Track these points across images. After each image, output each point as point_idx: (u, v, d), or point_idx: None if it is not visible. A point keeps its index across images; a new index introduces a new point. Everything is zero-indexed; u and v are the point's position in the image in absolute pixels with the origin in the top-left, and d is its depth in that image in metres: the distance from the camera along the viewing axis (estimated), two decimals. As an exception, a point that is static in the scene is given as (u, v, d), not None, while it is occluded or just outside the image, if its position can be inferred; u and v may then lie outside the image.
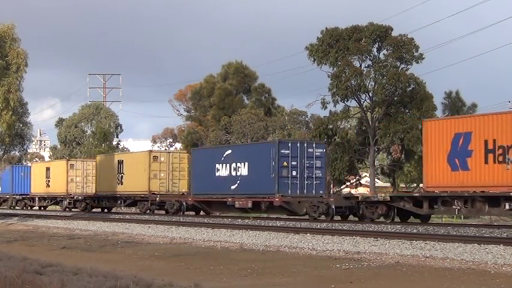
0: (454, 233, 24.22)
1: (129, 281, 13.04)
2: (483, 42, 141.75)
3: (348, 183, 57.75)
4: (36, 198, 63.84)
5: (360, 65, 52.15)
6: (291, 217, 38.71)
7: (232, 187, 39.85)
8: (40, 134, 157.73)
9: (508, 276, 14.29)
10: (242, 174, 39.30)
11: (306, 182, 37.10)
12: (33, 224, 40.06)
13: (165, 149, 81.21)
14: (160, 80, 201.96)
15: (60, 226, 37.12)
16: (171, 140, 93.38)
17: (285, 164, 36.81)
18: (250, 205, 38.34)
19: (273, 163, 36.92)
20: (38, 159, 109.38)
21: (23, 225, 39.57)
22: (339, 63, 51.41)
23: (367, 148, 53.51)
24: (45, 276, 14.24)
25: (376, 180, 59.23)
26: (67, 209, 58.08)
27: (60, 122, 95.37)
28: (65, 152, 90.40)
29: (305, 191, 37.04)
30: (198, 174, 43.47)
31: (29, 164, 76.55)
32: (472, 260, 16.67)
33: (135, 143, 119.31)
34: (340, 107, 53.55)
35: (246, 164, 39.03)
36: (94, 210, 58.60)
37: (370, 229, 27.08)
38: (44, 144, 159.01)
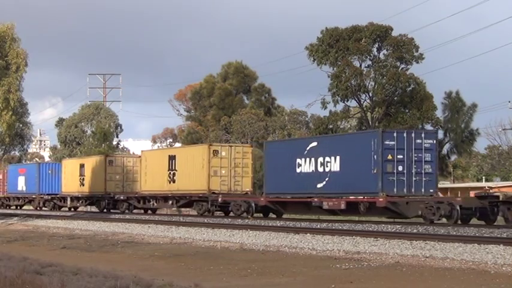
0: (454, 233, 24.20)
1: (129, 281, 13.04)
2: (483, 42, 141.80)
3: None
4: (68, 198, 58.41)
5: (360, 65, 52.24)
6: (291, 217, 38.61)
7: (319, 185, 34.57)
8: (40, 134, 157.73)
9: (508, 276, 14.29)
10: (332, 170, 33.98)
11: (413, 178, 32.03)
12: (33, 224, 40.05)
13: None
14: (160, 80, 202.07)
15: (60, 226, 37.11)
16: (171, 140, 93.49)
17: (389, 157, 31.83)
18: (343, 206, 33.25)
19: (375, 156, 31.90)
20: (37, 159, 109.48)
21: (23, 225, 39.56)
22: (339, 63, 51.46)
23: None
24: (45, 276, 14.23)
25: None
26: (105, 210, 53.28)
27: (60, 122, 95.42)
28: (65, 152, 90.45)
29: (413, 190, 32.01)
30: (272, 170, 38.22)
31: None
32: (472, 260, 16.66)
33: (135, 143, 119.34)
34: (340, 107, 53.71)
35: (338, 158, 33.75)
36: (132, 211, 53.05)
37: (370, 229, 27.07)
38: (44, 144, 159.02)
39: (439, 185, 41.37)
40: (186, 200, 44.36)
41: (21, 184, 64.70)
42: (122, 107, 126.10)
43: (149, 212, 51.42)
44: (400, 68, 51.77)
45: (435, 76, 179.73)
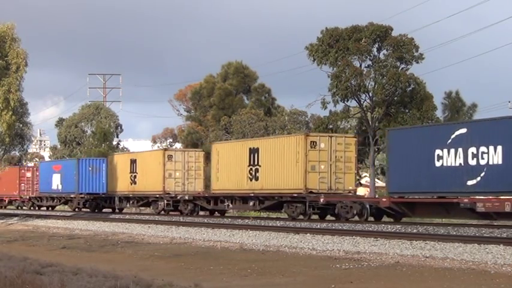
0: (454, 233, 24.22)
1: (129, 281, 13.04)
2: (483, 42, 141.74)
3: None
4: (116, 198, 51.51)
5: (360, 65, 52.19)
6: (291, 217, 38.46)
7: (470, 182, 28.52)
8: (40, 134, 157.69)
9: (508, 276, 14.29)
10: (490, 163, 27.79)
11: None
12: (33, 224, 40.08)
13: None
14: (160, 80, 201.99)
15: (60, 226, 37.14)
16: (171, 140, 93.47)
17: None
18: (508, 208, 27.09)
19: None
20: (38, 159, 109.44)
21: (23, 225, 39.58)
22: (339, 63, 51.43)
23: (367, 148, 53.55)
24: (45, 276, 14.24)
25: (376, 180, 59.24)
26: (163, 212, 46.34)
27: (60, 122, 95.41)
28: (65, 152, 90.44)
29: None
30: (398, 164, 31.86)
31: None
32: (472, 260, 16.67)
33: (135, 143, 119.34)
34: (340, 107, 53.63)
35: (499, 148, 27.46)
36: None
37: (370, 229, 27.08)
38: (44, 144, 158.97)
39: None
40: (274, 201, 37.72)
41: (56, 182, 58.65)
42: (122, 107, 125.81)
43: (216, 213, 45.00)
44: (400, 68, 51.74)
45: (435, 76, 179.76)
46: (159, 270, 16.47)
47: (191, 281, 13.64)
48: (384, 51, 52.16)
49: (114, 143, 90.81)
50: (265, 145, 38.62)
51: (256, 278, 15.12)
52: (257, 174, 38.30)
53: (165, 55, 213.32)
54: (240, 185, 39.50)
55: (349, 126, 59.89)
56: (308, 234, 24.38)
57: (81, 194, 54.67)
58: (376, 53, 52.37)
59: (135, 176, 49.29)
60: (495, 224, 29.64)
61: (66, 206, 60.87)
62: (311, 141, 35.66)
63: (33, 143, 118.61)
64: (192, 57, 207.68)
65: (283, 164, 36.63)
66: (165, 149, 48.67)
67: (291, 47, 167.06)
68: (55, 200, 60.64)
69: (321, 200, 34.38)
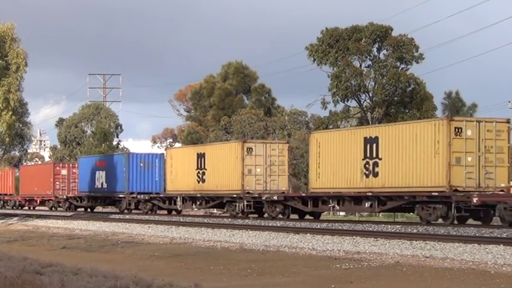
0: (454, 233, 24.20)
1: (129, 281, 13.04)
2: (483, 42, 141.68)
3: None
4: (179, 199, 43.86)
5: (360, 65, 52.26)
6: (291, 217, 38.42)
7: None
8: (40, 134, 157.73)
9: (508, 276, 14.28)
10: None
11: None
12: (33, 224, 40.05)
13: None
14: (160, 80, 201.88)
15: (60, 226, 37.11)
16: (171, 140, 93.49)
17: None
18: None
19: None
20: (38, 160, 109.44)
21: (23, 225, 39.56)
22: (339, 63, 51.49)
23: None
24: (45, 276, 14.23)
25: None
26: (241, 214, 39.16)
27: (60, 122, 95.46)
28: (65, 152, 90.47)
29: None
30: None
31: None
32: (472, 260, 16.66)
33: (135, 143, 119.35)
34: (340, 107, 53.71)
35: None
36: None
37: (370, 229, 27.08)
38: (44, 144, 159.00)
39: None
40: (401, 202, 31.41)
41: (100, 180, 52.37)
42: (122, 107, 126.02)
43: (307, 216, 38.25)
44: (400, 68, 51.82)
45: (435, 76, 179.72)
46: (159, 270, 16.47)
47: (191, 281, 13.63)
48: (384, 51, 52.27)
49: (114, 143, 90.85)
50: (386, 133, 32.05)
51: (256, 278, 15.12)
52: (376, 169, 31.97)
53: (165, 55, 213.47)
54: (352, 182, 33.30)
55: (349, 126, 59.98)
56: (308, 234, 24.38)
57: (132, 193, 48.58)
58: (376, 53, 52.45)
59: (203, 173, 42.24)
60: (495, 224, 29.61)
61: (112, 207, 55.39)
62: (455, 128, 29.42)
63: (33, 143, 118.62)
64: (192, 57, 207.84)
65: (415, 156, 30.33)
66: (244, 141, 41.20)
67: (291, 47, 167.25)
68: (98, 201, 54.15)
69: (474, 200, 27.78)
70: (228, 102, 72.05)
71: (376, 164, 31.90)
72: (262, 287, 13.99)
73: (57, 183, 60.22)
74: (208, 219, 38.92)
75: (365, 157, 32.30)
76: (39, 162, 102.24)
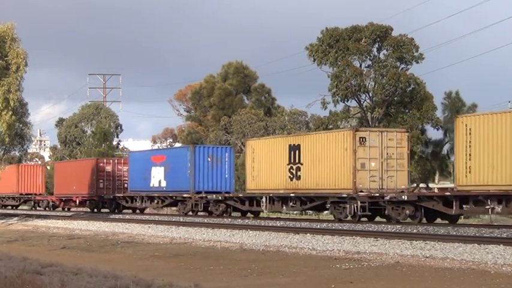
0: (454, 233, 24.21)
1: (129, 281, 13.04)
2: (483, 42, 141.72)
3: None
4: (264, 199, 37.16)
5: (360, 65, 52.26)
6: (291, 217, 38.45)
7: None
8: (40, 134, 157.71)
9: (508, 276, 14.29)
10: None
11: None
12: (33, 224, 40.05)
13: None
14: (160, 79, 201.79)
15: (60, 226, 37.11)
16: (171, 140, 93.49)
17: None
18: None
19: None
20: (38, 160, 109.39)
21: (23, 225, 39.56)
22: (339, 63, 51.50)
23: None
24: (45, 276, 14.24)
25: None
26: (351, 217, 32.54)
27: (60, 122, 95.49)
28: (65, 152, 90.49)
29: None
30: None
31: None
32: (472, 260, 16.66)
33: (135, 143, 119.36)
34: (340, 107, 53.71)
35: None
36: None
37: (370, 229, 27.08)
38: (44, 144, 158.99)
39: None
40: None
41: (157, 178, 45.78)
42: (122, 107, 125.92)
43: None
44: (400, 68, 51.83)
45: (435, 76, 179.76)
46: (159, 270, 16.47)
47: (191, 281, 13.64)
48: (384, 51, 52.26)
49: (114, 143, 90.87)
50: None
51: (256, 278, 15.12)
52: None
53: (166, 55, 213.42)
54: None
55: (349, 126, 60.01)
56: (308, 234, 24.38)
57: (198, 193, 42.11)
58: (376, 53, 52.45)
59: (298, 168, 35.64)
60: (495, 224, 29.60)
61: (173, 209, 48.63)
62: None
63: (33, 143, 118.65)
64: (192, 57, 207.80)
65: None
66: (357, 129, 33.96)
67: (291, 47, 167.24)
68: (156, 201, 46.41)
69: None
70: (228, 102, 72.05)
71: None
72: (262, 287, 13.99)
73: (101, 181, 52.80)
74: (208, 219, 38.88)
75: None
76: (38, 162, 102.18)
